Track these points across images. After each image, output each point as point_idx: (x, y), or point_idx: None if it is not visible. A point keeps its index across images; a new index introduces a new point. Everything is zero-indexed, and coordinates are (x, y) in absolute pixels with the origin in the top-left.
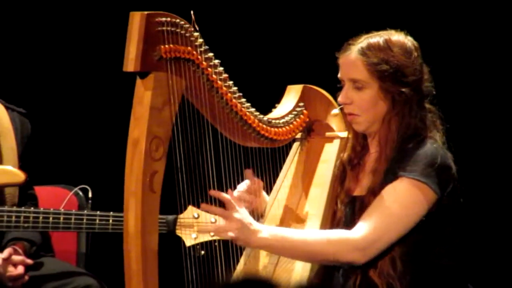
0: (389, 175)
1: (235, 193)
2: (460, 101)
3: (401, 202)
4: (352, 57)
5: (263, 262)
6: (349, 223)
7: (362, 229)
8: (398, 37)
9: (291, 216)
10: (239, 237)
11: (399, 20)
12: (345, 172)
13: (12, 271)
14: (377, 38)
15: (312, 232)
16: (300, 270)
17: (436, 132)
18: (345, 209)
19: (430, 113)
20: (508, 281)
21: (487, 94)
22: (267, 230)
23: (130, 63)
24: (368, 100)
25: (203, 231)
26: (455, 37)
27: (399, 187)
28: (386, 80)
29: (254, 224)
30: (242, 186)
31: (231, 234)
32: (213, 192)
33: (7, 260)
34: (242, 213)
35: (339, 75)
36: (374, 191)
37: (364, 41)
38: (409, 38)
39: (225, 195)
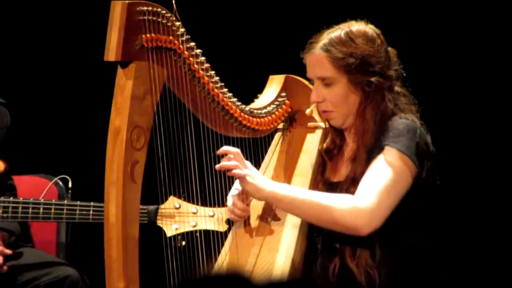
0: (375, 152)
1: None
2: (433, 86)
3: (391, 169)
4: (317, 55)
5: (245, 254)
6: None
7: (363, 194)
8: (358, 27)
9: (273, 206)
10: (250, 183)
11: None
12: (324, 162)
13: None
14: (338, 32)
15: (320, 194)
16: (282, 261)
17: (411, 114)
18: None
19: (404, 97)
20: (484, 268)
21: (463, 79)
22: (278, 184)
23: (111, 52)
24: (339, 95)
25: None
26: (432, 24)
27: (387, 157)
28: (354, 73)
29: (265, 177)
30: (234, 191)
31: (241, 173)
32: (222, 150)
33: None
34: (252, 167)
35: (307, 75)
36: (354, 179)
37: (325, 37)
38: (370, 26)
39: (233, 149)
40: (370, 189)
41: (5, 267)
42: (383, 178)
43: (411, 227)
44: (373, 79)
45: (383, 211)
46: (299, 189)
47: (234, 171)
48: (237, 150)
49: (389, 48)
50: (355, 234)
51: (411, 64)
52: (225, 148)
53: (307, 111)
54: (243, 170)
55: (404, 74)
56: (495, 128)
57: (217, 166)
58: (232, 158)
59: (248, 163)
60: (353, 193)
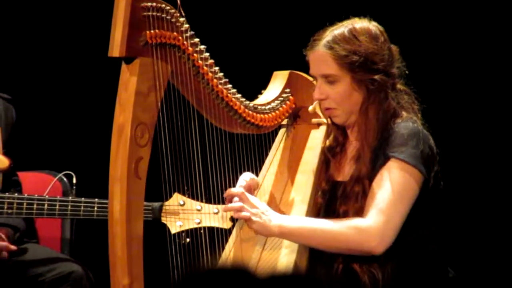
0: (380, 157)
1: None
2: (435, 83)
3: (398, 183)
4: (320, 52)
5: (249, 250)
6: (330, 209)
7: (371, 216)
8: (362, 24)
9: (277, 203)
10: (257, 222)
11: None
12: (327, 160)
13: None
14: (341, 29)
15: (330, 222)
16: (285, 258)
17: (413, 114)
18: (326, 195)
19: (406, 95)
20: (487, 263)
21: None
22: (284, 218)
23: (116, 48)
24: (342, 93)
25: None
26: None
27: (392, 171)
28: (357, 71)
29: (271, 212)
30: (241, 183)
31: (247, 215)
32: (227, 193)
33: None
34: (258, 202)
35: (310, 72)
36: (359, 179)
37: (329, 34)
38: (374, 23)
39: (237, 190)
40: (378, 208)
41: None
42: (390, 194)
43: (415, 228)
44: (376, 77)
45: (393, 227)
46: (305, 220)
47: (240, 213)
48: (241, 190)
49: (392, 46)
50: (369, 255)
51: (413, 61)
52: (230, 192)
53: (310, 108)
54: (250, 209)
55: (407, 72)
56: (497, 127)
57: (223, 208)
58: (237, 200)
59: (254, 199)
60: (357, 192)
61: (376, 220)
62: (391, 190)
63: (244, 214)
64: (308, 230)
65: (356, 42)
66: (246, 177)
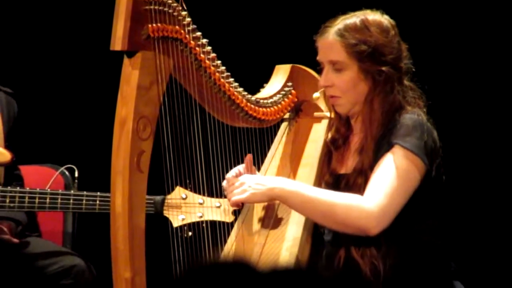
0: (383, 147)
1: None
2: (441, 80)
3: (400, 169)
4: (330, 39)
5: (251, 244)
6: None
7: (373, 195)
8: (374, 16)
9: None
10: (251, 193)
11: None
12: (330, 153)
13: None
14: (353, 18)
15: (330, 193)
16: (287, 251)
17: (418, 109)
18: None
19: (411, 91)
20: (490, 259)
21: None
22: (284, 181)
23: (118, 42)
24: (348, 82)
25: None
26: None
27: (396, 157)
28: (365, 61)
29: (266, 178)
30: (236, 171)
31: (240, 197)
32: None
33: None
34: (248, 176)
35: (318, 58)
36: (361, 171)
37: (340, 22)
38: (386, 16)
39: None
40: (379, 190)
41: None
42: (392, 179)
43: (417, 220)
44: (383, 68)
45: (391, 212)
46: (307, 187)
47: (233, 198)
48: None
49: (402, 42)
50: (363, 234)
51: (420, 60)
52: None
53: (314, 95)
54: (240, 188)
55: (413, 69)
56: (500, 123)
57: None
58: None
59: (243, 177)
60: (360, 184)
61: (378, 203)
62: (395, 175)
63: (238, 197)
64: (308, 198)
65: (367, 32)
66: (236, 170)
